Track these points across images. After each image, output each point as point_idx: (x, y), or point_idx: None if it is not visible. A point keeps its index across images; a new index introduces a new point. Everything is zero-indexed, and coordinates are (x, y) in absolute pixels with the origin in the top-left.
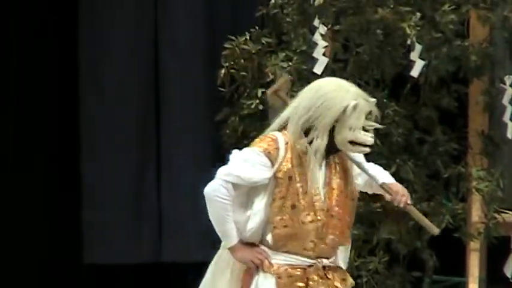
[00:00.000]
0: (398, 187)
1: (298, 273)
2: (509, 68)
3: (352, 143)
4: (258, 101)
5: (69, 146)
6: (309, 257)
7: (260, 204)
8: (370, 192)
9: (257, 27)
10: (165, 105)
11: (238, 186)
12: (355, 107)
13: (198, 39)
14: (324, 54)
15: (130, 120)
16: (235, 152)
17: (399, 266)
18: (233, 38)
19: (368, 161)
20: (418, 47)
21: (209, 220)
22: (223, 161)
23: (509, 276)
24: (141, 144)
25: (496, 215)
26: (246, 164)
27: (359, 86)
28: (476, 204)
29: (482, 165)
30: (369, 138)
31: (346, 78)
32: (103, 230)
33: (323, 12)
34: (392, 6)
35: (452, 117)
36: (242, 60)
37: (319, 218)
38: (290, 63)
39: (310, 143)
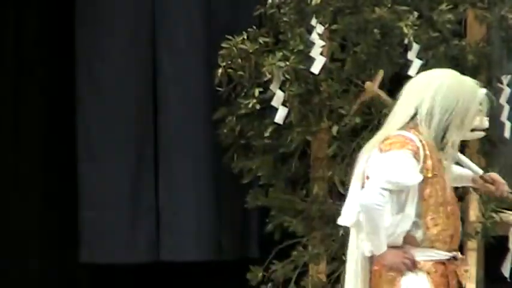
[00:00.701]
0: (497, 176)
1: (443, 267)
2: (506, 67)
3: (474, 129)
4: (255, 101)
5: (66, 145)
6: (448, 251)
7: (412, 205)
8: (456, 185)
9: (255, 27)
10: (162, 105)
11: (394, 192)
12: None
13: (195, 39)
14: (321, 54)
15: (127, 120)
16: (383, 157)
17: None
18: (230, 37)
19: None
20: (415, 47)
21: (206, 219)
22: (221, 160)
23: (507, 276)
24: (138, 144)
25: (494, 215)
26: (401, 168)
27: (356, 85)
28: (473, 203)
29: (479, 165)
30: (485, 121)
31: (344, 78)
32: (100, 230)
33: (320, 11)
34: (389, 5)
35: None
36: (239, 60)
37: (454, 211)
38: (287, 63)
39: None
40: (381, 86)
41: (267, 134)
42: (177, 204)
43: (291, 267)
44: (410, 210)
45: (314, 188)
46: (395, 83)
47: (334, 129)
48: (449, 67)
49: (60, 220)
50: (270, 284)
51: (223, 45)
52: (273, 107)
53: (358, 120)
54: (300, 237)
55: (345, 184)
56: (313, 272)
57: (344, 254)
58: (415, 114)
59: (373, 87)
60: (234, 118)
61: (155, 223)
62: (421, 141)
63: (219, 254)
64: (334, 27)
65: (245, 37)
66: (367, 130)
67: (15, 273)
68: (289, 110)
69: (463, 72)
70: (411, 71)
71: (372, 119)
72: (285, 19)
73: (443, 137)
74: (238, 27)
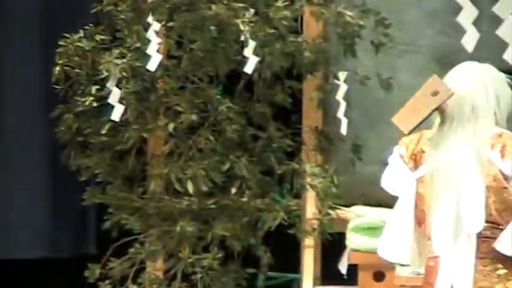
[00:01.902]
0: None
1: None
2: (343, 63)
3: None
4: (92, 98)
5: None
6: None
7: None
8: None
9: (92, 24)
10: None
11: None
12: None
13: (31, 37)
14: (157, 51)
15: None
16: None
17: (234, 263)
18: (68, 35)
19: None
20: (251, 43)
21: (42, 216)
22: (58, 158)
23: (344, 273)
24: None
25: (331, 212)
26: None
27: (193, 82)
28: (310, 200)
29: (316, 162)
30: None
31: (181, 75)
32: None
33: (157, 8)
34: (226, 2)
35: (287, 113)
36: (76, 58)
37: None
38: (124, 60)
39: None
40: (218, 83)
41: (103, 132)
42: (13, 201)
43: (128, 264)
44: None
45: (151, 185)
46: (231, 80)
47: (171, 126)
48: (286, 64)
49: None
50: (107, 281)
51: (61, 43)
52: (110, 104)
53: (194, 117)
54: (137, 234)
55: (182, 181)
56: (150, 269)
57: (180, 251)
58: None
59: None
60: (72, 116)
61: None
62: None
63: (55, 251)
64: (170, 24)
65: (82, 35)
66: (204, 127)
67: None
68: (125, 107)
69: (299, 69)
70: (247, 68)
71: (208, 116)
72: (121, 16)
73: None
74: (75, 24)
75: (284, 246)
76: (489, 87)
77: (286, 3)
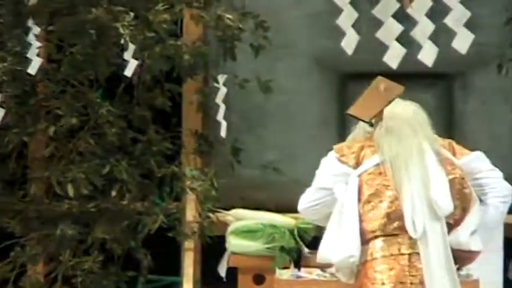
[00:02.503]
0: None
1: None
2: (222, 67)
3: None
4: None
5: None
6: None
7: None
8: None
9: None
10: None
11: None
12: None
13: None
14: (38, 55)
15: None
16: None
17: (114, 266)
18: None
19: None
20: (131, 47)
21: None
22: None
23: (223, 276)
24: None
25: (210, 215)
26: None
27: (73, 86)
28: (190, 203)
29: (196, 165)
30: None
31: (61, 79)
32: None
33: (37, 12)
34: (105, 6)
35: (167, 116)
36: None
37: None
38: (5, 64)
39: None
40: (98, 86)
41: None
42: None
43: (9, 267)
44: None
45: (32, 188)
46: (111, 83)
47: (51, 130)
48: (165, 67)
49: None
50: None
51: None
52: None
53: (74, 120)
54: (18, 237)
55: (62, 184)
56: (31, 272)
57: (61, 254)
58: None
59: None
60: None
61: None
62: None
63: None
64: (50, 28)
65: None
66: (84, 131)
67: None
68: (6, 111)
69: (179, 72)
70: (127, 71)
71: (88, 120)
72: (1, 21)
73: None
74: None
75: (164, 249)
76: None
77: (166, 6)
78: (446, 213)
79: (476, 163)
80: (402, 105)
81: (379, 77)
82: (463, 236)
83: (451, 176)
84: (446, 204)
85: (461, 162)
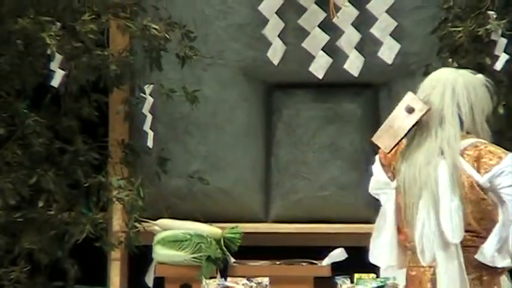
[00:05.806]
0: None
1: None
2: (148, 77)
3: None
4: None
5: None
6: None
7: None
8: None
9: None
10: None
11: None
12: None
13: None
14: None
15: None
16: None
17: (41, 276)
18: None
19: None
20: (58, 57)
21: None
22: None
23: (151, 286)
24: None
25: (137, 224)
26: None
27: (0, 97)
28: (117, 213)
29: (122, 175)
30: None
31: None
32: None
33: None
34: (32, 16)
35: (93, 126)
36: None
37: None
38: None
39: None
40: (24, 97)
41: None
42: None
43: None
44: None
45: None
46: (38, 94)
47: None
48: (92, 77)
49: None
50: None
51: None
52: None
53: (1, 131)
54: None
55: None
56: None
57: None
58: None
59: None
60: None
61: None
62: None
63: None
64: None
65: None
66: (11, 141)
67: None
68: None
69: (105, 82)
70: (54, 82)
71: (15, 130)
72: None
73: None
74: None
75: (91, 259)
76: (460, 98)
77: (93, 16)
78: (457, 242)
79: (500, 179)
80: (432, 89)
81: (408, 94)
82: (488, 252)
83: (470, 197)
84: (456, 235)
85: (485, 180)
